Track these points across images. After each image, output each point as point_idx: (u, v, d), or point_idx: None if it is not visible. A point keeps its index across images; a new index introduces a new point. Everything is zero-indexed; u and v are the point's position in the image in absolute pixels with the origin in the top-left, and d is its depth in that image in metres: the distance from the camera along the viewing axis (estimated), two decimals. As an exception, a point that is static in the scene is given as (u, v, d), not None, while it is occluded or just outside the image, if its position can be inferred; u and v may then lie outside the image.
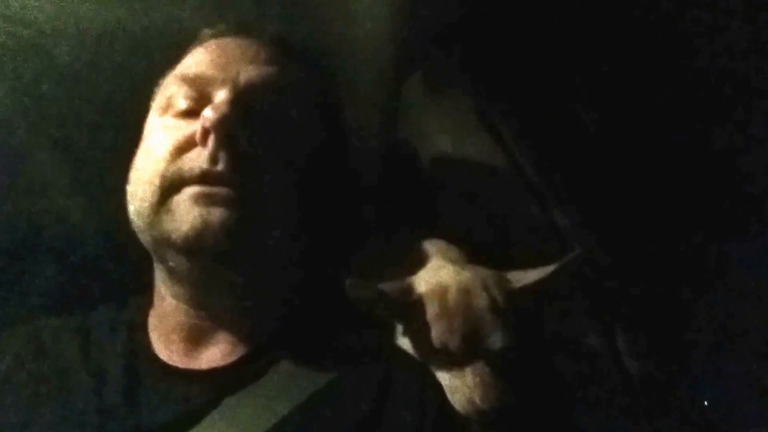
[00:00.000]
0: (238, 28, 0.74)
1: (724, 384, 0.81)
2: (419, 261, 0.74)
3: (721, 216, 0.87)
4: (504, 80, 0.93)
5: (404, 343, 0.70)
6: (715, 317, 0.85)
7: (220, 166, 0.64)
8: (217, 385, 0.65)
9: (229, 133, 0.64)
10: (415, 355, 0.69)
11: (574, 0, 0.91)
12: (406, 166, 0.95)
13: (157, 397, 0.65)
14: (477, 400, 0.63)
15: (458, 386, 0.64)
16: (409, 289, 0.68)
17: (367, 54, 0.91)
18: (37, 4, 0.79)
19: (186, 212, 0.63)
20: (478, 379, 0.64)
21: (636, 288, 0.87)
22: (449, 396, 0.65)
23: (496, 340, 0.65)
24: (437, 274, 0.69)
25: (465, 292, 0.66)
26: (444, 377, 0.66)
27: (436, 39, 0.94)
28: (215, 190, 0.64)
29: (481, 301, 0.66)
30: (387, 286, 0.68)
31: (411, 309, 0.67)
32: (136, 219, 0.68)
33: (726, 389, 0.81)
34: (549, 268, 0.69)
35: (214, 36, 0.73)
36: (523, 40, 0.92)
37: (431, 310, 0.66)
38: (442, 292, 0.67)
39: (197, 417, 0.63)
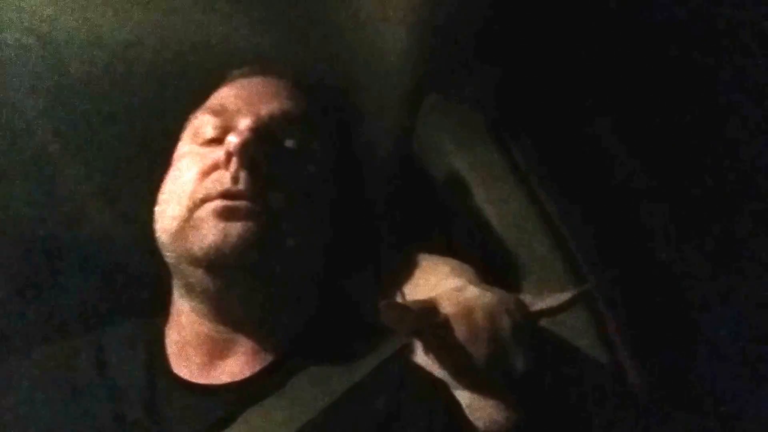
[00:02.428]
0: (263, 68, 0.80)
1: (730, 395, 0.83)
2: (438, 280, 0.77)
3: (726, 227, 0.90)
4: (521, 104, 0.95)
5: (422, 358, 0.72)
6: (721, 327, 0.87)
7: (241, 185, 0.68)
8: (236, 399, 0.68)
9: (249, 156, 0.69)
10: (435, 372, 0.71)
11: (592, 25, 0.92)
12: (421, 184, 0.97)
13: (176, 413, 0.67)
14: (501, 419, 0.65)
15: (481, 405, 0.67)
16: (434, 309, 0.70)
17: (386, 75, 0.93)
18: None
19: (208, 226, 0.67)
20: (501, 399, 0.66)
21: (639, 299, 0.89)
22: (470, 414, 0.68)
23: (519, 362, 0.67)
24: (461, 295, 0.71)
25: (491, 314, 0.68)
26: (466, 396, 0.68)
27: (455, 60, 0.95)
28: (236, 203, 0.68)
29: (506, 323, 0.68)
30: (414, 305, 0.71)
31: (436, 328, 0.69)
32: (162, 236, 0.72)
33: (733, 400, 0.83)
34: (564, 296, 0.72)
35: (241, 75, 0.80)
36: (541, 63, 0.94)
37: (459, 331, 0.68)
38: (468, 313, 0.68)
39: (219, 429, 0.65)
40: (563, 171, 0.93)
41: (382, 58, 0.92)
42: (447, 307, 0.70)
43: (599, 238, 0.90)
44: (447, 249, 0.84)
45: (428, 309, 0.70)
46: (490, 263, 0.84)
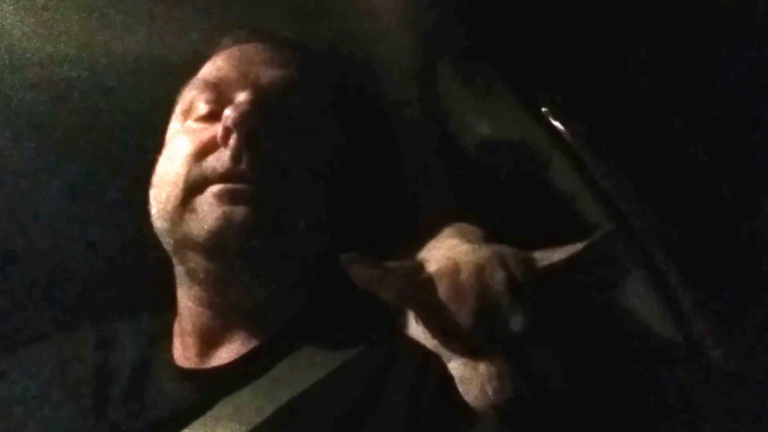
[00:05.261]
0: (256, 34, 0.75)
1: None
2: (435, 241, 0.68)
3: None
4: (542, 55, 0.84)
5: (416, 331, 0.64)
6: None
7: (242, 165, 0.64)
8: (224, 380, 0.64)
9: (250, 131, 0.64)
10: (426, 344, 0.62)
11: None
12: (444, 151, 0.89)
13: (162, 394, 0.66)
14: (490, 392, 0.54)
15: (471, 377, 0.56)
16: (419, 269, 0.61)
17: (394, 41, 0.87)
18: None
19: (209, 211, 0.64)
20: (493, 368, 0.55)
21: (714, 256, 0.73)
22: (461, 388, 0.58)
23: (515, 323, 0.56)
24: (450, 252, 0.62)
25: (480, 269, 0.58)
26: (456, 368, 0.58)
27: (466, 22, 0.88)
28: (238, 187, 0.64)
29: (498, 278, 0.57)
30: (394, 265, 0.62)
31: (420, 290, 0.60)
32: (158, 221, 0.69)
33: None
34: (577, 246, 0.60)
35: (234, 43, 0.75)
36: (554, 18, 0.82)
37: (442, 290, 0.58)
38: (453, 269, 0.59)
39: (200, 411, 0.62)
40: (593, 115, 0.81)
41: (388, 24, 0.86)
42: (432, 266, 0.61)
43: (647, 194, 0.78)
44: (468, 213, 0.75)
45: (411, 268, 0.61)
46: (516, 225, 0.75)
